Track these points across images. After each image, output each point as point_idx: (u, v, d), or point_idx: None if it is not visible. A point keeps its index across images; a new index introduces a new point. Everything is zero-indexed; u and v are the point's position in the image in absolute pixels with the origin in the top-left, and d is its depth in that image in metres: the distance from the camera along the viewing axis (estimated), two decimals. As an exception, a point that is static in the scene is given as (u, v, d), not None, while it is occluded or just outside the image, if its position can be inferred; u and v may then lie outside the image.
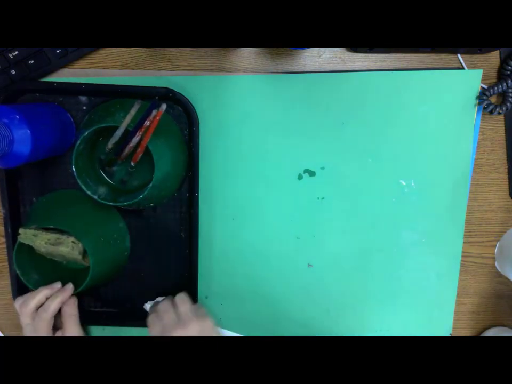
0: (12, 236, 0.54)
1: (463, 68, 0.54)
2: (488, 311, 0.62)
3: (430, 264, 0.59)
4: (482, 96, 0.53)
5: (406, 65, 0.55)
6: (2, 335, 0.62)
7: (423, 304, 0.61)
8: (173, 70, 0.54)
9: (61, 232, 0.50)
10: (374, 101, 0.55)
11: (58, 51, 0.51)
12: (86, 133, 0.47)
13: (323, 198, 0.57)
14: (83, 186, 0.48)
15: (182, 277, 0.58)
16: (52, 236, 0.50)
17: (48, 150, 0.49)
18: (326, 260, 0.59)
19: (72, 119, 0.53)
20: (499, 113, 0.53)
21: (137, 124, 0.47)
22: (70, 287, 0.52)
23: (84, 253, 0.51)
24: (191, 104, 0.52)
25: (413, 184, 0.57)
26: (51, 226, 0.50)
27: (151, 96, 0.51)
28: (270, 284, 0.59)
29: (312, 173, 0.57)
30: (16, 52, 0.50)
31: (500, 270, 0.60)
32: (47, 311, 0.51)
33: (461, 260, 0.59)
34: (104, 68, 0.54)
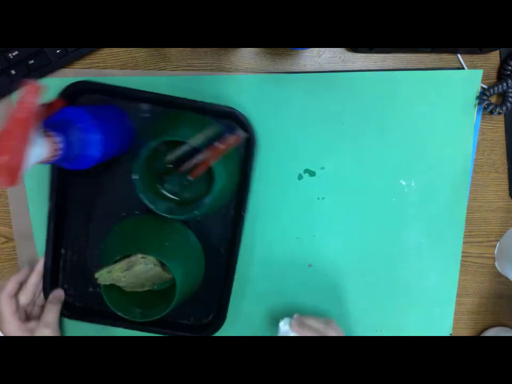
0: (54, 231, 0.54)
1: (463, 68, 0.54)
2: (488, 311, 0.62)
3: (430, 264, 0.59)
4: (482, 96, 0.53)
5: (406, 65, 0.55)
6: (2, 335, 0.62)
7: (423, 304, 0.61)
8: (173, 70, 0.54)
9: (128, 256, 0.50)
10: (374, 101, 0.55)
11: (58, 51, 0.51)
12: (155, 144, 0.46)
13: (323, 198, 0.57)
14: (145, 199, 0.48)
15: (212, 294, 0.57)
16: (122, 262, 0.49)
17: (113, 152, 0.49)
18: (326, 260, 0.59)
19: (131, 124, 0.53)
20: (499, 113, 0.53)
21: (208, 144, 0.46)
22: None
23: (162, 265, 0.51)
24: (252, 127, 0.52)
25: (413, 184, 0.57)
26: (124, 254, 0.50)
27: (214, 112, 0.51)
28: (270, 284, 0.59)
29: (312, 173, 0.57)
30: (16, 52, 0.50)
31: (499, 270, 0.60)
32: (3, 291, 0.54)
33: (461, 260, 0.59)
34: (104, 68, 0.54)
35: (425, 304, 0.61)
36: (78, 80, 0.51)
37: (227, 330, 0.57)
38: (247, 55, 0.54)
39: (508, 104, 0.53)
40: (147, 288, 0.54)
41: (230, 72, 0.54)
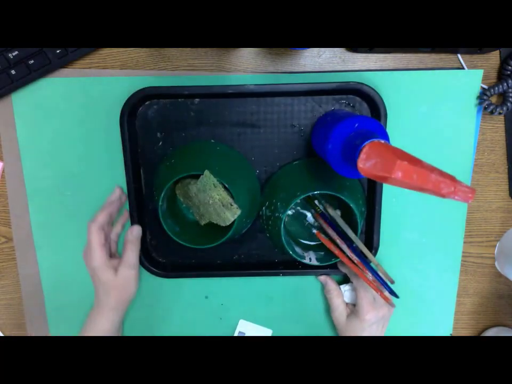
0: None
1: (463, 68, 0.54)
2: (488, 311, 0.62)
3: (430, 264, 0.59)
4: (482, 96, 0.53)
5: (406, 65, 0.55)
6: (2, 335, 0.62)
7: (423, 304, 0.61)
8: (173, 70, 0.54)
9: (228, 192, 0.49)
10: (374, 101, 0.55)
11: (58, 51, 0.51)
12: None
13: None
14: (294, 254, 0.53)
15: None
16: (227, 197, 0.48)
17: None
18: (326, 260, 0.59)
19: None
20: (500, 113, 0.53)
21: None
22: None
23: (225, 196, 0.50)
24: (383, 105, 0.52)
25: (413, 184, 0.57)
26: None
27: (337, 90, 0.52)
28: (269, 284, 0.59)
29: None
30: (16, 52, 0.50)
31: (499, 270, 0.60)
32: (94, 221, 0.51)
33: (461, 260, 0.59)
34: (104, 68, 0.54)
35: (425, 304, 0.61)
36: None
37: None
38: (247, 55, 0.54)
39: (508, 104, 0.53)
40: (206, 221, 0.52)
41: (230, 72, 0.54)
